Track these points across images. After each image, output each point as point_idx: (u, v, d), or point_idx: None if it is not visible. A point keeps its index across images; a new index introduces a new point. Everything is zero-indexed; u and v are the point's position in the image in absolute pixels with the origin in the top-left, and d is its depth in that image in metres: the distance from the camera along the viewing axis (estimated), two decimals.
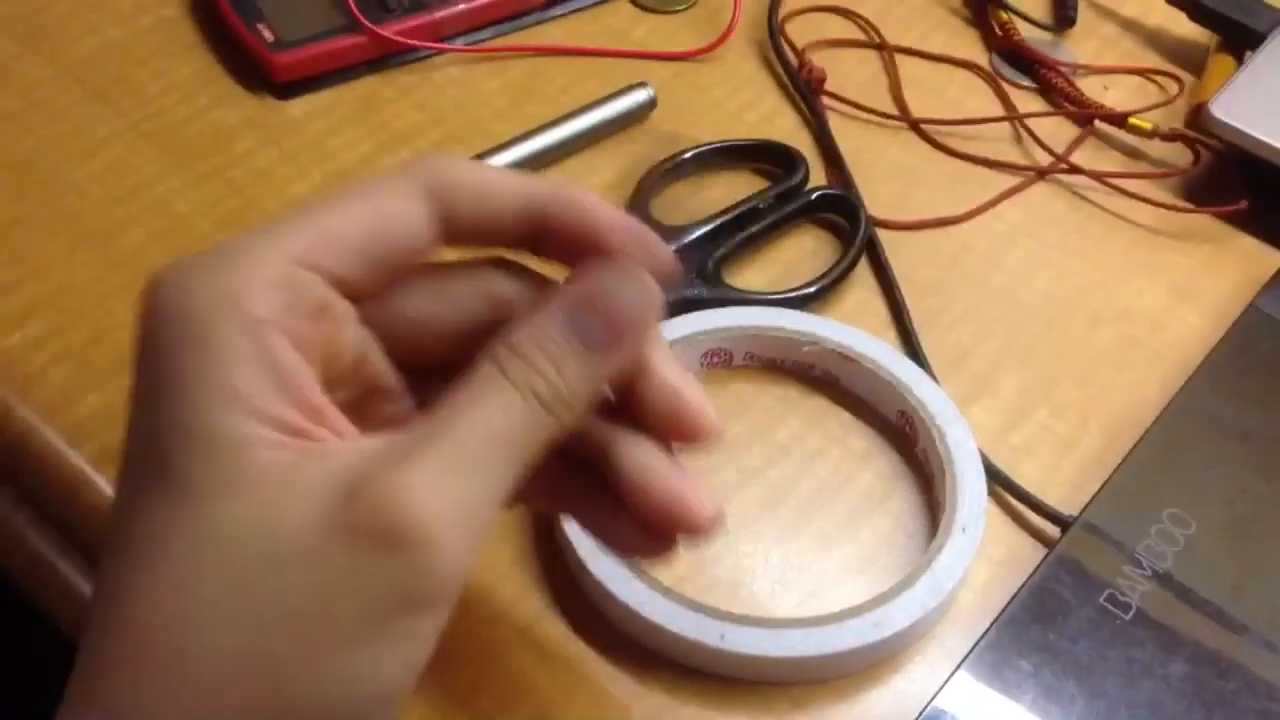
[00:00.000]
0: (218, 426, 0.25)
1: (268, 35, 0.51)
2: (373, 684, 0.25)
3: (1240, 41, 0.57)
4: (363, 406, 0.30)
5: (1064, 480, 0.43)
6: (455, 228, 0.29)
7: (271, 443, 0.25)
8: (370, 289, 0.29)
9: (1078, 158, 0.54)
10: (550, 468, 0.29)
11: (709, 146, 0.51)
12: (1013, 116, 0.55)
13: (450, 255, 0.31)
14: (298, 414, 0.26)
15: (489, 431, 0.26)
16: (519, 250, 0.31)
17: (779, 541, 0.41)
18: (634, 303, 0.29)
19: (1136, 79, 0.58)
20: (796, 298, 0.46)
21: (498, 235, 0.30)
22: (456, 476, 0.26)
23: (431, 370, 0.30)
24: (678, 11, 0.58)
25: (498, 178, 0.30)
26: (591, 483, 0.32)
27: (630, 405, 0.31)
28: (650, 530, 0.31)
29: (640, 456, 0.31)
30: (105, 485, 0.40)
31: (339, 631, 0.25)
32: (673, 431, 0.31)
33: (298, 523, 0.25)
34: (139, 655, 0.25)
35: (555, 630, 0.38)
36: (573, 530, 0.38)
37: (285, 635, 0.25)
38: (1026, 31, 0.58)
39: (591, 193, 0.30)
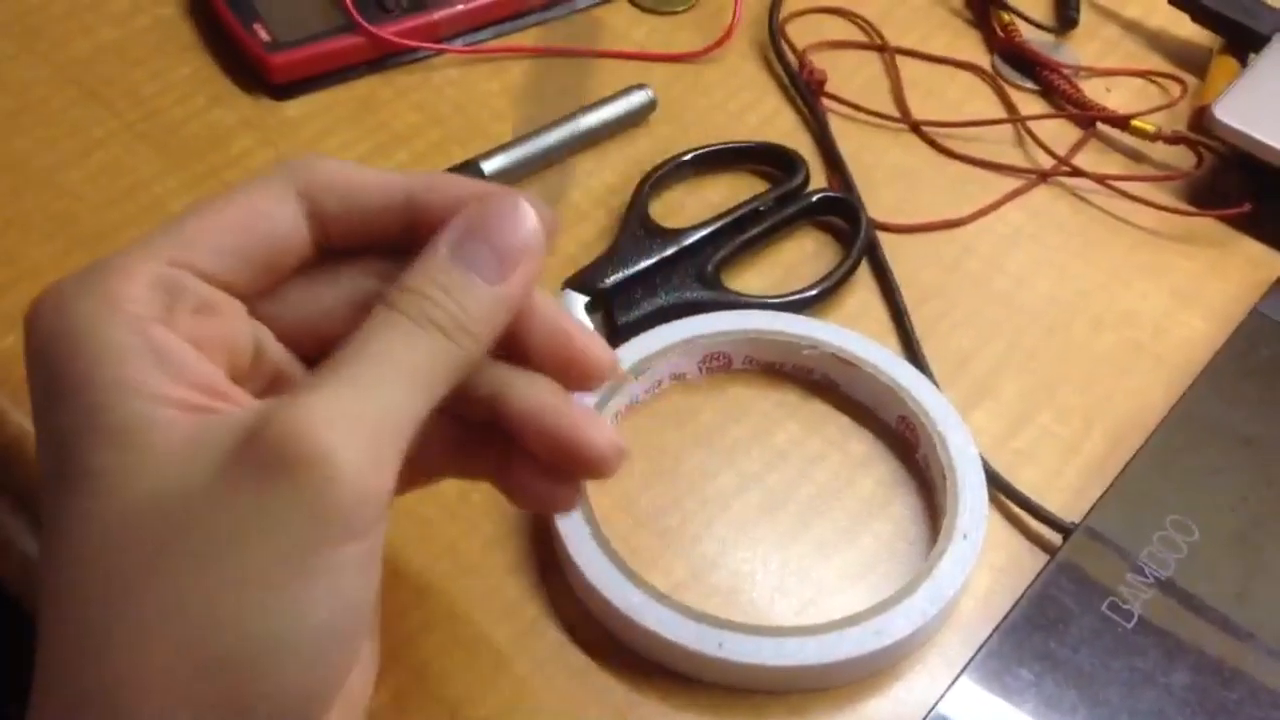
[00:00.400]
0: (116, 414, 0.25)
1: (264, 36, 0.51)
2: (305, 620, 0.25)
3: (1243, 43, 0.57)
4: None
5: (1066, 486, 0.43)
6: (329, 226, 0.30)
7: (171, 418, 0.26)
8: (255, 286, 0.30)
9: (1080, 160, 0.53)
10: (447, 432, 0.30)
11: (709, 148, 0.51)
12: (1015, 119, 0.55)
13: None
14: (196, 393, 0.26)
15: (390, 360, 0.27)
16: (400, 245, 0.31)
17: (778, 548, 0.41)
18: (519, 227, 0.29)
19: (1139, 81, 0.57)
20: (796, 301, 0.46)
21: (373, 231, 0.31)
22: (354, 400, 0.26)
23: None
24: (678, 13, 0.57)
25: (367, 175, 0.30)
26: (489, 439, 0.32)
27: (519, 353, 0.31)
28: (553, 474, 0.31)
29: (533, 395, 0.31)
30: None
31: (258, 572, 0.25)
32: (566, 374, 0.31)
33: (204, 476, 0.25)
34: (79, 641, 0.25)
35: (551, 638, 0.38)
36: (569, 536, 0.38)
37: (206, 586, 0.25)
38: (1028, 33, 0.58)
39: (468, 180, 0.31)
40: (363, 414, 0.26)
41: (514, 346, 0.31)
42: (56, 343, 0.27)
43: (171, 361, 0.26)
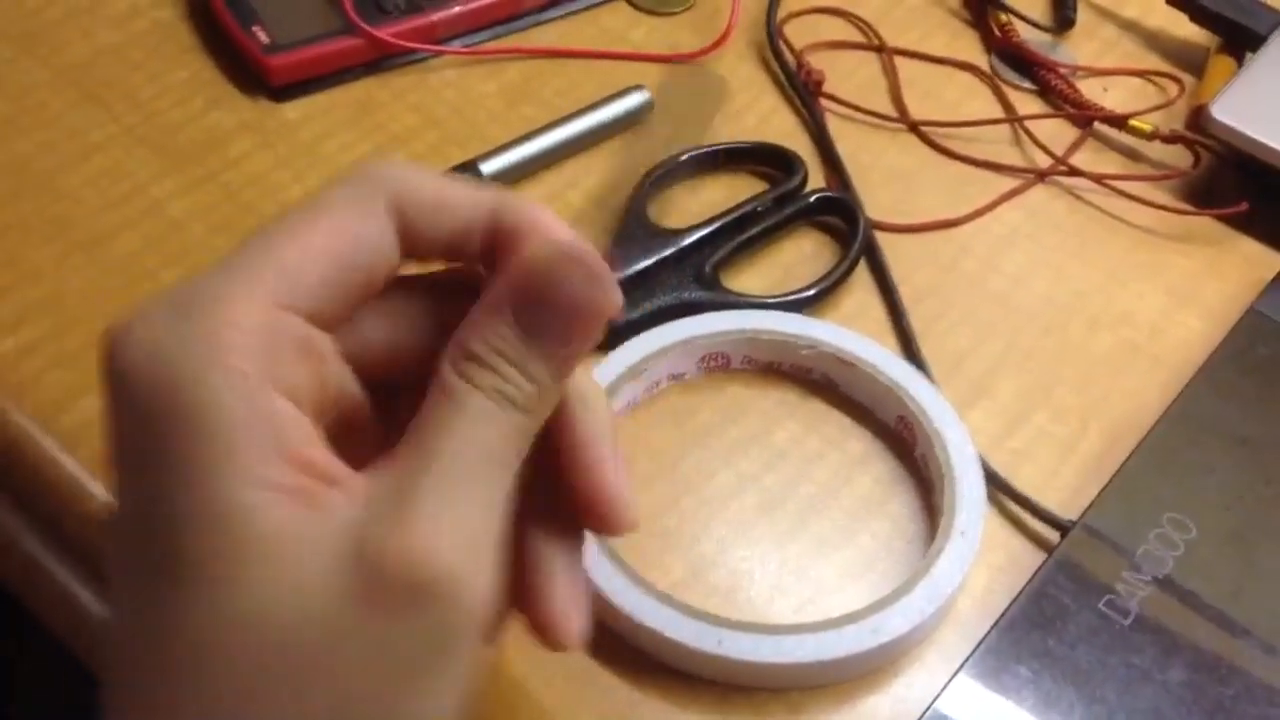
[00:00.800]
0: (221, 503, 0.24)
1: (263, 38, 0.51)
2: (428, 716, 0.25)
3: (1240, 43, 0.57)
4: (338, 432, 0.29)
5: (1063, 485, 0.43)
6: (416, 242, 0.28)
7: (277, 512, 0.24)
8: (342, 316, 0.27)
9: (1077, 160, 0.53)
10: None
11: (707, 149, 0.51)
12: (1012, 118, 0.55)
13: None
14: (294, 471, 0.25)
15: (475, 448, 0.26)
16: (478, 263, 0.29)
17: (777, 546, 0.41)
18: (581, 289, 0.27)
19: (1136, 80, 0.57)
20: (795, 301, 0.46)
21: (458, 249, 0.29)
22: (457, 507, 0.25)
23: (394, 385, 0.29)
24: (675, 13, 0.57)
25: (456, 189, 0.28)
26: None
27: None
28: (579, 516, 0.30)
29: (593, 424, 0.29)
30: (99, 491, 0.40)
31: (384, 690, 0.24)
32: (585, 518, 0.29)
33: (317, 596, 0.24)
34: None
35: None
36: None
37: (329, 705, 0.24)
38: (1026, 33, 0.58)
39: (549, 211, 0.29)
40: (468, 527, 0.25)
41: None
42: (155, 400, 0.24)
43: (278, 433, 0.24)
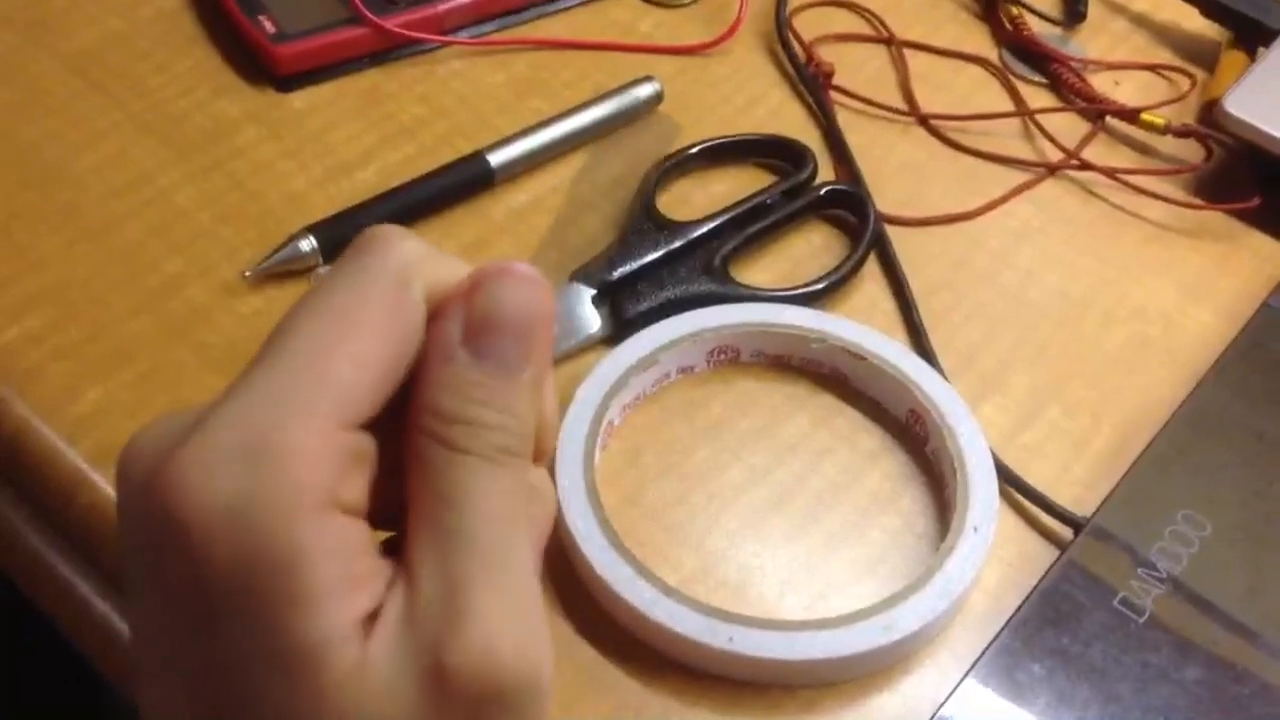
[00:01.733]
0: (304, 642, 0.23)
1: (269, 27, 0.51)
2: None
3: (1253, 37, 0.56)
4: None
5: (1076, 480, 0.43)
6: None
7: (346, 638, 0.24)
8: (378, 411, 0.26)
9: (1089, 154, 0.53)
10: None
11: (715, 141, 0.51)
12: (1023, 112, 0.55)
13: None
14: (364, 592, 0.24)
15: (496, 518, 0.25)
16: None
17: (787, 542, 0.40)
18: (524, 301, 0.26)
19: (1148, 74, 0.57)
20: (805, 294, 0.46)
21: None
22: (504, 593, 0.25)
23: None
24: (684, 5, 0.57)
25: (462, 272, 0.27)
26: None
27: None
28: None
29: None
30: (103, 483, 0.40)
31: None
32: None
33: (402, 716, 0.24)
34: None
35: (561, 633, 0.38)
36: (577, 530, 0.38)
37: None
38: (1036, 26, 0.58)
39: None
40: (517, 598, 0.25)
41: None
42: (236, 550, 0.23)
43: (349, 559, 0.24)
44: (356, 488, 0.25)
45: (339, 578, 0.24)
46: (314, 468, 0.24)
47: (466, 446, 0.25)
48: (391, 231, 0.27)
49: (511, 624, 0.24)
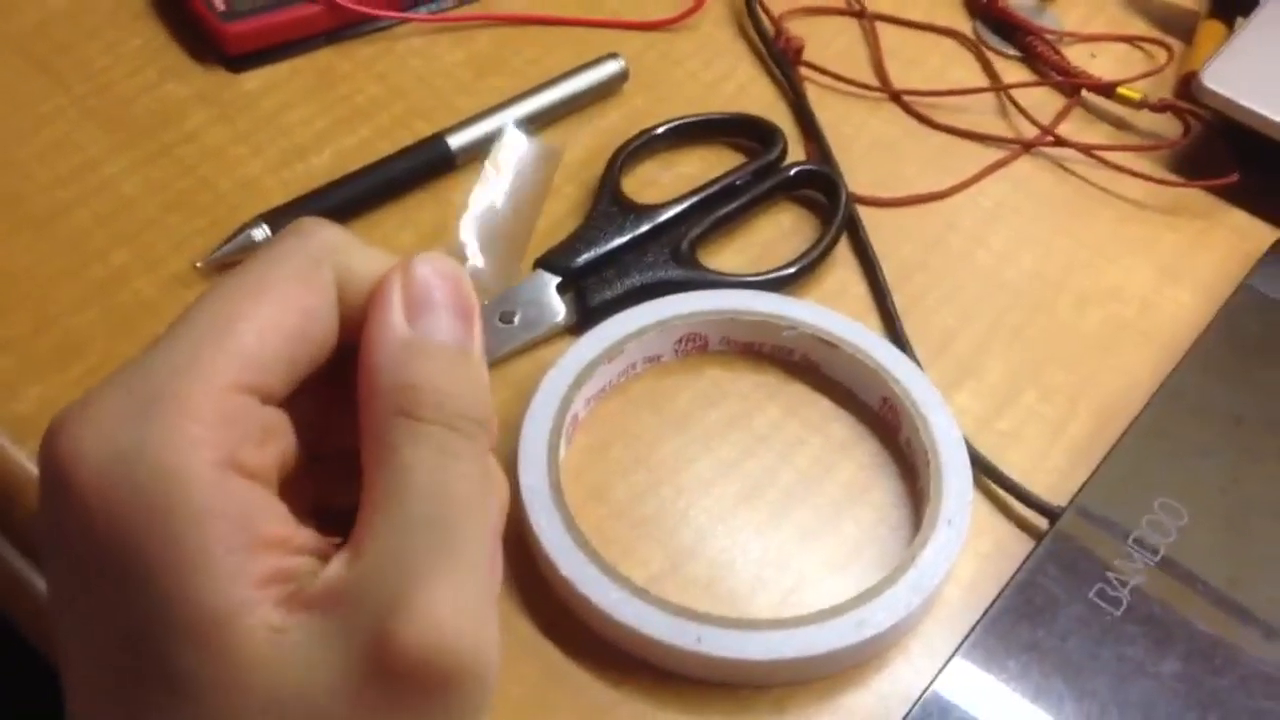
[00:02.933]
0: (205, 608, 0.22)
1: (219, 4, 0.49)
2: None
3: (1231, 7, 0.55)
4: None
5: (1052, 467, 0.42)
6: (347, 315, 0.27)
7: (255, 604, 0.23)
8: (290, 388, 0.26)
9: (1064, 129, 0.52)
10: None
11: (683, 120, 0.49)
12: (997, 87, 0.53)
13: None
14: (271, 554, 0.24)
15: (455, 501, 0.24)
16: None
17: (758, 536, 0.39)
18: (450, 272, 0.26)
19: (1124, 47, 0.56)
20: (774, 279, 0.45)
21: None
22: (456, 575, 0.24)
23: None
24: None
25: (388, 261, 0.27)
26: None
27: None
28: None
29: None
30: None
31: None
32: None
33: (327, 698, 0.23)
34: None
35: (526, 635, 0.37)
36: (542, 527, 0.37)
37: None
38: None
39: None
40: (469, 586, 0.24)
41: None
42: (121, 511, 0.23)
43: (251, 524, 0.23)
44: (261, 456, 0.24)
45: (235, 538, 0.23)
46: (207, 423, 0.23)
47: (424, 419, 0.25)
48: (313, 221, 0.27)
49: (462, 611, 0.24)
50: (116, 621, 0.23)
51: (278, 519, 0.24)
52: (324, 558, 0.25)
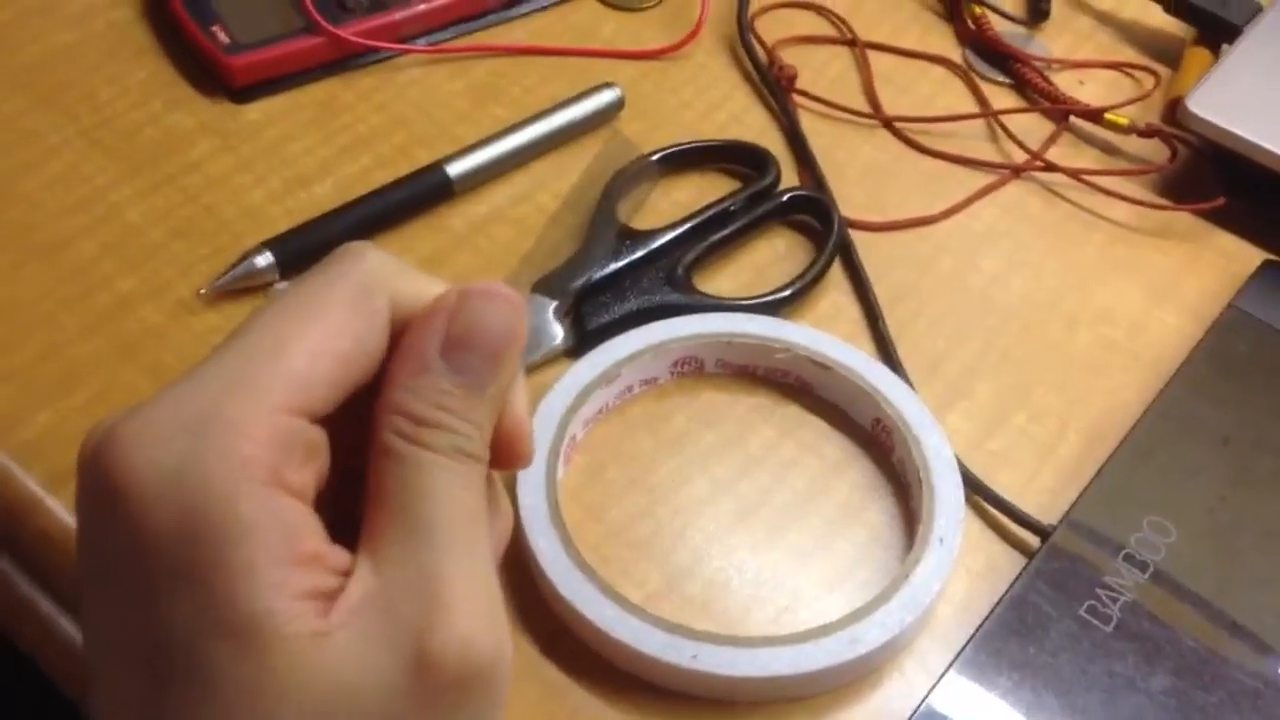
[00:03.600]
0: (249, 612, 0.23)
1: (223, 38, 0.50)
2: None
3: (1216, 34, 0.56)
4: None
5: (1043, 487, 0.42)
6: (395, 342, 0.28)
7: (293, 617, 0.24)
8: (334, 408, 0.27)
9: (1053, 154, 0.53)
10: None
11: (678, 147, 0.50)
12: (987, 113, 0.54)
13: None
14: (312, 572, 0.25)
15: (461, 514, 0.26)
16: None
17: (753, 555, 0.40)
18: (502, 323, 0.27)
19: (1112, 73, 0.57)
20: (769, 303, 0.45)
21: None
22: (474, 583, 0.26)
23: None
24: (645, 9, 0.56)
25: (435, 290, 0.28)
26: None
27: None
28: None
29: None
30: (58, 508, 0.39)
31: None
32: (500, 453, 0.30)
33: (367, 698, 0.24)
34: None
35: (524, 652, 0.37)
36: (540, 547, 0.37)
37: None
38: (1000, 25, 0.57)
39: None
40: (486, 588, 0.26)
41: None
42: (176, 519, 0.24)
43: (292, 537, 0.24)
44: (304, 474, 0.26)
45: (281, 551, 0.24)
46: (258, 442, 0.24)
47: (434, 445, 0.26)
48: (364, 246, 0.28)
49: (485, 613, 0.25)
50: (159, 632, 0.24)
51: (316, 535, 0.25)
52: (346, 572, 0.26)
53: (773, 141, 0.52)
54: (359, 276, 0.27)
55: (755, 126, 0.53)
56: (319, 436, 0.26)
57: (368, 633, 0.24)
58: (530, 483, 0.39)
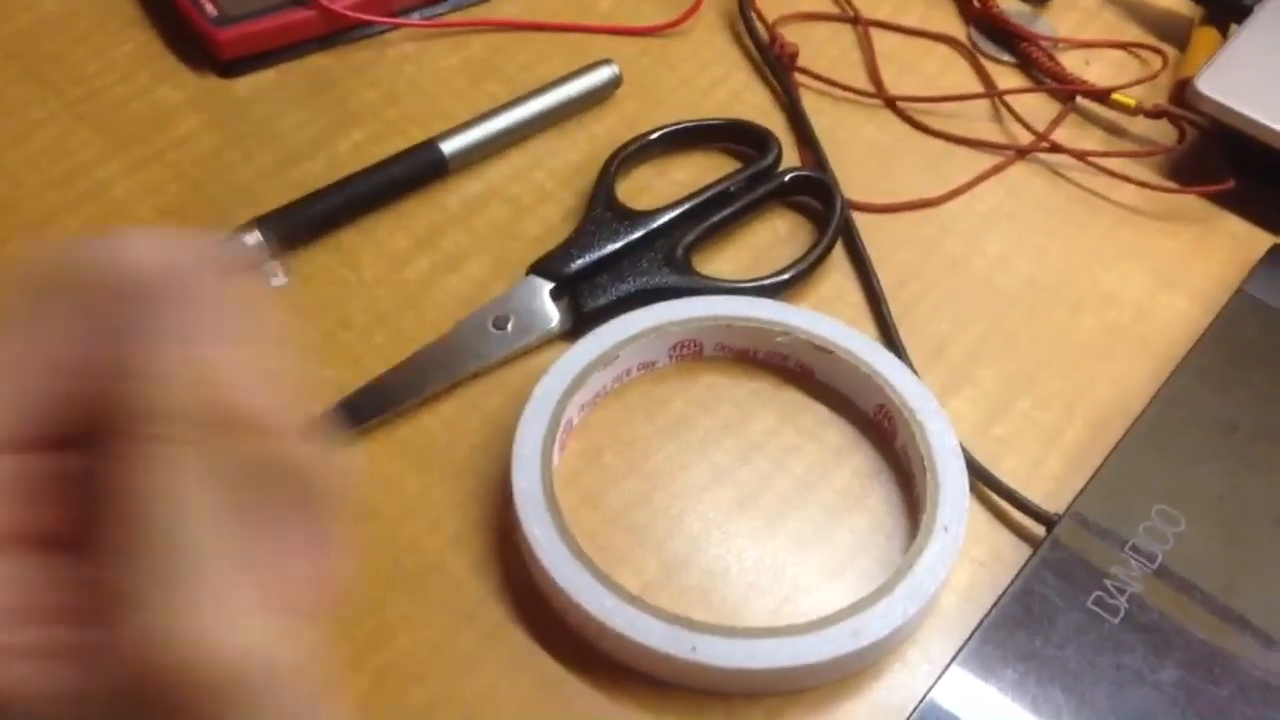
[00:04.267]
0: None
1: (211, 9, 0.49)
2: None
3: (1225, 13, 0.55)
4: None
5: (1048, 474, 0.42)
6: None
7: None
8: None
9: (1059, 135, 0.52)
10: None
11: (676, 126, 0.49)
12: (992, 93, 0.53)
13: None
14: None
15: (185, 505, 0.22)
16: None
17: (753, 544, 0.39)
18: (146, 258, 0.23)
19: (1119, 53, 0.56)
20: (769, 285, 0.44)
21: None
22: (204, 584, 0.22)
23: None
24: None
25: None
26: None
27: None
28: None
29: None
30: None
31: None
32: None
33: None
34: None
35: (518, 643, 0.36)
36: (535, 535, 0.36)
37: None
38: (1005, 3, 0.56)
39: None
40: (225, 588, 0.22)
41: None
42: None
43: None
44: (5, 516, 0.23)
45: None
46: None
47: (142, 432, 0.22)
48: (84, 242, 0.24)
49: (218, 623, 0.22)
50: None
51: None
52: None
53: (773, 120, 0.51)
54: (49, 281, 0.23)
55: (756, 105, 0.52)
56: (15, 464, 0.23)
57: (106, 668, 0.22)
58: (525, 467, 0.38)
